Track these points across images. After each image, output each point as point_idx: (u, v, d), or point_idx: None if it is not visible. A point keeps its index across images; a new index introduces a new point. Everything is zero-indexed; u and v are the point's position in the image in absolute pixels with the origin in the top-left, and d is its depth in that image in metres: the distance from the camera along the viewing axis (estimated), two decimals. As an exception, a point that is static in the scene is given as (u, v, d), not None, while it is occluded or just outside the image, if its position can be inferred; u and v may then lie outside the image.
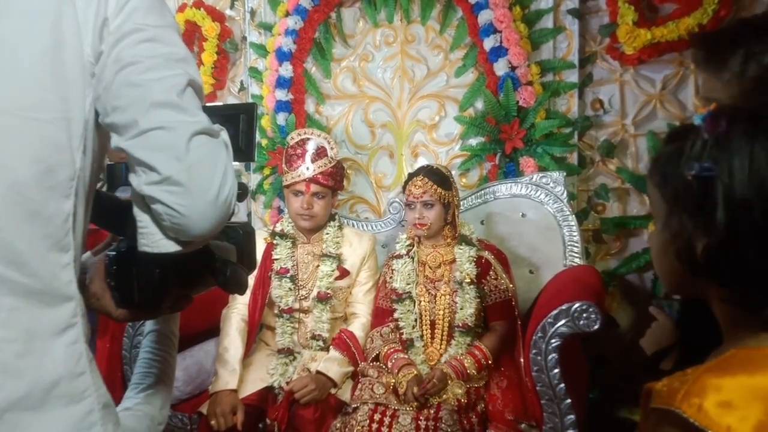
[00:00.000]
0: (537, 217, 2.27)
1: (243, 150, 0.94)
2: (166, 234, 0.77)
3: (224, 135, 0.79)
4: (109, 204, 0.87)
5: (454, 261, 1.99)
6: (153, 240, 0.77)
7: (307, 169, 2.01)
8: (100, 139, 0.78)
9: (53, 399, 0.72)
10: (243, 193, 0.86)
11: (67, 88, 0.72)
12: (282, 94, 2.69)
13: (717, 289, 0.67)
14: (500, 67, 2.38)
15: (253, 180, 2.85)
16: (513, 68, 2.37)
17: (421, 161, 2.63)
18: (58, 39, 0.71)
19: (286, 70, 2.67)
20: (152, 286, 0.83)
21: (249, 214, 2.90)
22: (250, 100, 2.84)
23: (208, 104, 0.87)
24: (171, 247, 0.77)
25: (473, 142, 2.56)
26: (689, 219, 0.66)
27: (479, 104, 2.54)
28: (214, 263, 0.89)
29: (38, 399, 0.71)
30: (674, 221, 0.68)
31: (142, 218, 0.78)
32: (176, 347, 1.04)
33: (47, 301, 0.72)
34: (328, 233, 2.10)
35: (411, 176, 1.99)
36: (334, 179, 2.05)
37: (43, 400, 0.71)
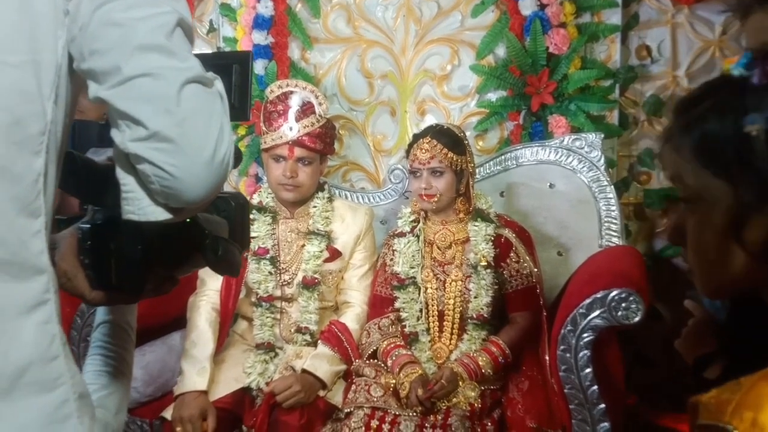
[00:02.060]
0: (568, 188, 2.27)
1: (236, 107, 0.95)
2: (155, 199, 0.78)
3: (219, 85, 0.81)
4: (84, 167, 0.88)
5: (467, 240, 1.99)
6: (139, 206, 0.79)
7: (291, 129, 1.99)
8: (72, 88, 0.79)
9: (23, 386, 0.73)
10: (237, 157, 0.87)
11: (36, 26, 0.73)
12: (260, 37, 2.66)
13: None
14: (527, 5, 2.35)
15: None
16: (542, 6, 2.34)
17: (429, 120, 2.61)
18: None
19: (266, 7, 2.64)
20: (134, 264, 0.84)
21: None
22: (222, 44, 2.81)
23: (195, 53, 0.88)
24: (160, 214, 0.79)
25: (492, 96, 2.53)
26: (750, 190, 0.65)
27: (500, 51, 2.51)
28: (204, 240, 0.90)
29: (5, 386, 0.72)
30: (729, 196, 0.67)
31: (126, 181, 0.78)
32: (133, 341, 1.05)
33: (15, 274, 0.74)
34: (315, 206, 2.09)
35: (416, 138, 1.98)
36: (323, 141, 2.04)
37: (11, 388, 0.73)
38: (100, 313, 1.03)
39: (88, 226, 0.85)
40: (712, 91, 0.70)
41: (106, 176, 0.83)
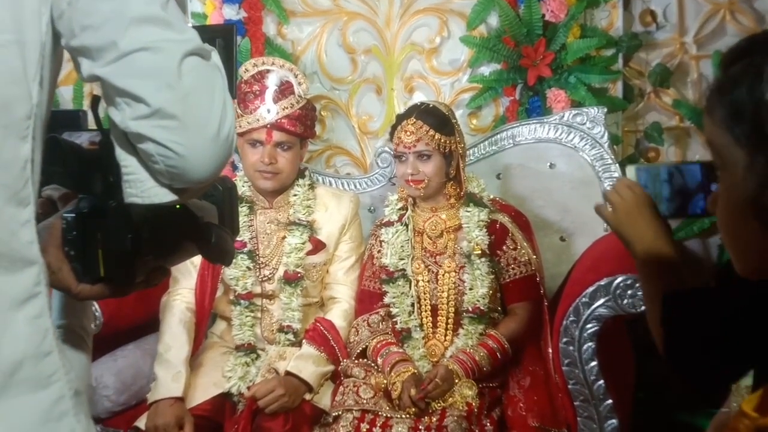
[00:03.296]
0: (569, 168, 2.29)
1: None
2: (159, 180, 0.81)
3: (216, 57, 0.84)
4: (71, 153, 0.89)
5: (460, 228, 2.01)
6: (143, 188, 0.82)
7: (268, 111, 2.00)
8: (54, 68, 0.81)
9: (17, 383, 0.75)
10: None
11: (19, 4, 0.74)
12: (232, 11, 2.65)
13: None
14: (520, -30, 2.36)
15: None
16: (537, -30, 2.35)
17: (418, 97, 2.61)
18: None
19: (237, -22, 2.63)
20: (123, 255, 0.86)
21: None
22: (190, 21, 2.80)
23: None
24: (165, 196, 0.82)
25: (486, 70, 2.54)
26: (764, 164, 0.65)
27: (493, 20, 2.52)
28: (196, 226, 0.93)
29: None
30: (758, 169, 0.67)
31: (128, 162, 0.81)
32: (90, 347, 1.06)
33: (5, 266, 0.75)
34: (296, 195, 2.11)
35: (400, 119, 1.99)
36: (303, 124, 2.05)
37: (6, 385, 0.74)
38: (53, 317, 1.05)
39: (73, 215, 0.86)
40: (751, 48, 0.69)
41: (92, 161, 0.85)
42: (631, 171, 1.17)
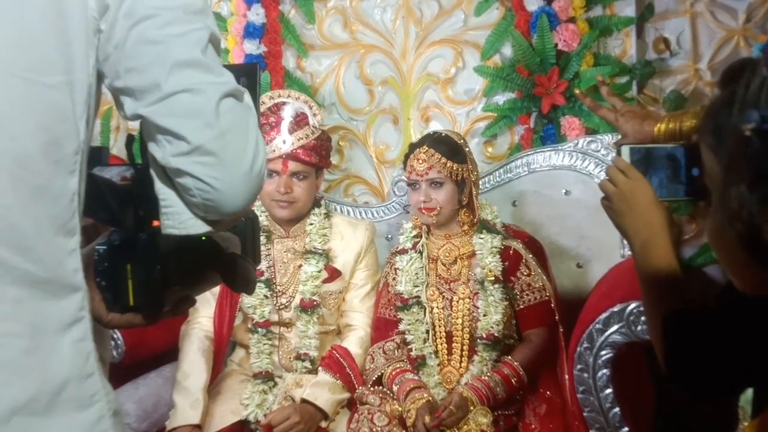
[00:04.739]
0: (585, 195, 2.28)
1: None
2: (194, 212, 0.87)
3: (247, 97, 0.90)
4: (105, 188, 0.94)
5: (473, 254, 2.01)
6: (180, 220, 0.87)
7: (284, 142, 2.03)
8: (96, 107, 0.87)
9: (62, 403, 0.80)
10: None
11: (70, 46, 0.79)
12: (252, 47, 2.71)
13: None
14: (532, 1, 2.38)
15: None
16: (549, 1, 2.36)
17: (434, 127, 2.63)
18: None
19: (257, 14, 2.69)
20: (152, 285, 0.90)
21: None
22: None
23: None
24: (200, 227, 0.88)
25: (500, 99, 2.56)
26: (749, 190, 0.64)
27: (507, 50, 2.54)
28: (221, 257, 0.97)
29: (46, 402, 0.78)
30: (732, 194, 0.66)
31: (166, 195, 0.87)
32: (106, 376, 1.08)
33: (53, 292, 0.80)
34: (312, 224, 2.13)
35: (413, 147, 2.01)
36: (319, 154, 2.08)
37: (52, 404, 0.79)
38: None
39: (105, 247, 0.90)
40: (730, 75, 0.69)
41: (126, 196, 0.90)
42: (625, 151, 1.12)
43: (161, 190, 0.87)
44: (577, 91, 1.95)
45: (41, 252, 0.78)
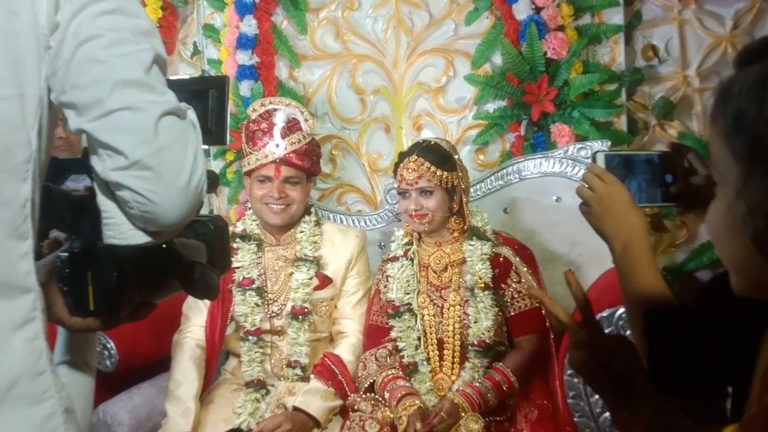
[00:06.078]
0: (576, 201, 2.19)
1: (213, 131, 1.07)
2: (134, 224, 0.90)
3: (191, 114, 0.92)
4: (60, 198, 0.96)
5: (464, 261, 2.01)
6: (120, 231, 0.90)
7: (277, 146, 2.03)
8: (51, 118, 0.89)
9: (12, 399, 0.83)
10: (213, 182, 0.99)
11: (21, 62, 0.83)
12: (245, 57, 2.72)
13: None
14: (521, 9, 2.39)
15: (213, 167, 2.88)
16: (538, 9, 2.37)
17: (426, 135, 2.64)
18: (10, 8, 0.82)
19: (249, 25, 2.70)
20: (109, 290, 0.92)
21: (211, 212, 2.94)
22: (206, 67, 2.88)
23: (171, 77, 0.99)
24: (140, 237, 0.91)
25: (491, 107, 2.57)
26: (758, 184, 0.62)
27: (497, 59, 2.55)
28: (180, 264, 0.99)
29: None
30: (753, 187, 0.63)
31: (107, 207, 0.90)
32: (93, 382, 1.09)
33: (4, 293, 0.83)
34: (302, 231, 2.13)
35: (402, 157, 2.01)
36: (310, 159, 2.08)
37: (2, 399, 0.82)
38: (58, 353, 1.07)
39: (66, 254, 0.93)
40: (753, 54, 0.65)
41: (81, 206, 0.93)
42: (600, 158, 1.12)
43: (103, 201, 0.90)
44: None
45: None
